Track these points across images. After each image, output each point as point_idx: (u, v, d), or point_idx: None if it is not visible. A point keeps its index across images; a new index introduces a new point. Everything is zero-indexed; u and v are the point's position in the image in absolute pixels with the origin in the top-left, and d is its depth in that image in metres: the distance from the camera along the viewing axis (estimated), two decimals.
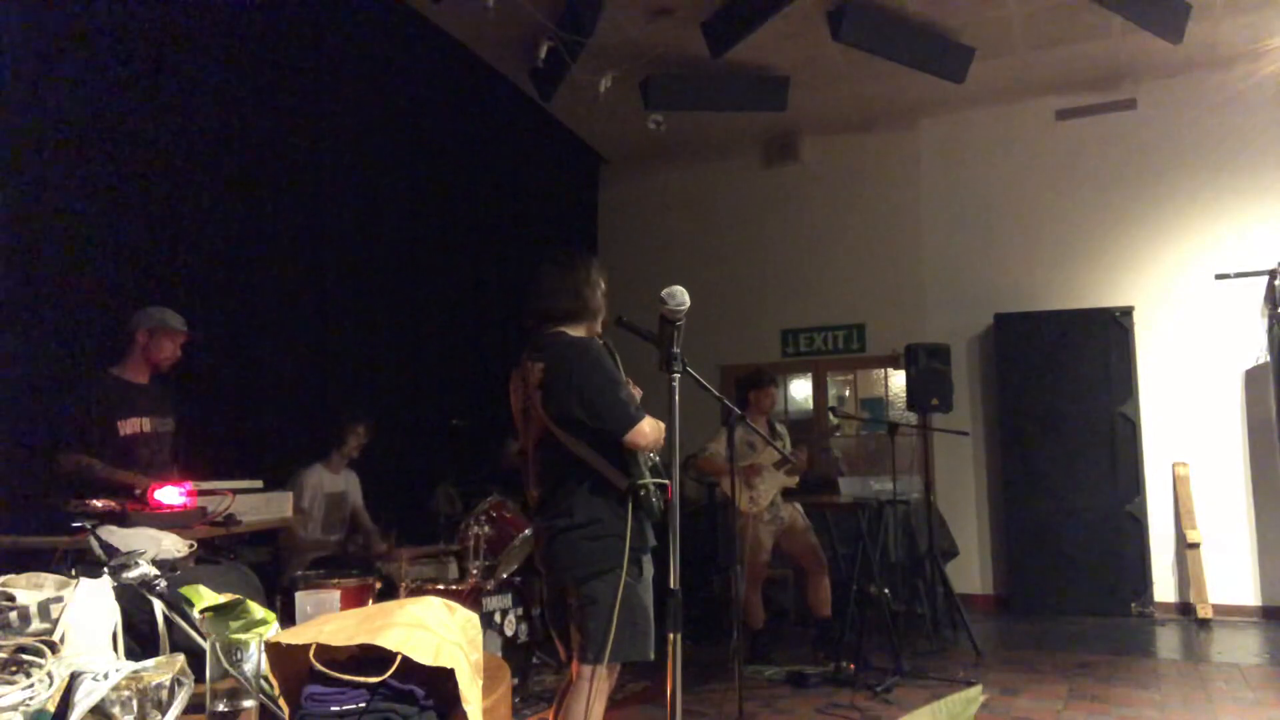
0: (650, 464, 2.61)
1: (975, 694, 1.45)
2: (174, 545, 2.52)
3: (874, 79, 6.67)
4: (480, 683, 1.33)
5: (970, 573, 6.97)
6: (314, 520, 4.73)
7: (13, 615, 1.37)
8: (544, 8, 5.53)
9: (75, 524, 2.56)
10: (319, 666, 1.23)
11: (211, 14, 4.42)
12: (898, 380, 7.31)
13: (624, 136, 7.72)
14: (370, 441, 4.97)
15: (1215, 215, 6.62)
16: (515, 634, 4.19)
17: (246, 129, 4.66)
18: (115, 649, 1.42)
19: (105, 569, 1.61)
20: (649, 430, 2.54)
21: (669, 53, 6.17)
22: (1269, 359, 6.23)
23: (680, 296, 2.27)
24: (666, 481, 2.51)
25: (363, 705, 1.22)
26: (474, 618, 1.40)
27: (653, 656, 2.59)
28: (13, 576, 1.47)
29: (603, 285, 2.88)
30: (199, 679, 1.26)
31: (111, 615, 1.44)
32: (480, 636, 1.40)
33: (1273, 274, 6.18)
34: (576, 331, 2.74)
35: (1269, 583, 6.27)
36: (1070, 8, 5.73)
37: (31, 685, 1.20)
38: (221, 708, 1.24)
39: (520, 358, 2.74)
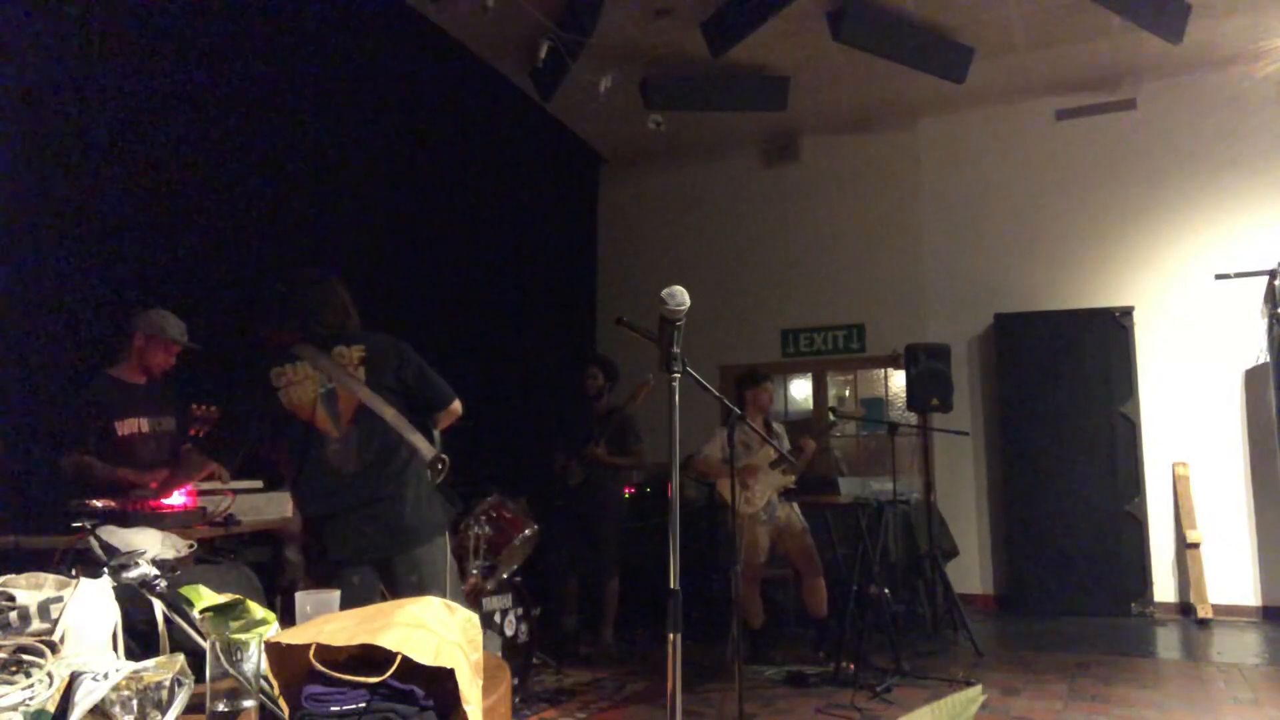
0: (440, 444, 3.00)
1: (975, 694, 1.45)
2: (174, 545, 2.51)
3: (874, 79, 6.68)
4: (480, 683, 1.32)
5: (970, 573, 6.97)
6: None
7: (13, 615, 1.37)
8: (544, 8, 5.53)
9: (75, 524, 2.56)
10: (319, 666, 1.23)
11: (210, 15, 4.42)
12: (898, 380, 7.32)
13: (624, 136, 7.72)
14: None
15: (1215, 215, 6.62)
16: (515, 634, 4.19)
17: (245, 128, 4.66)
18: (115, 649, 1.42)
19: (105, 569, 1.61)
20: (460, 405, 3.02)
21: (669, 53, 6.18)
22: (1269, 359, 6.24)
23: (680, 296, 2.26)
24: (445, 457, 2.91)
25: (363, 705, 1.22)
26: (474, 618, 1.39)
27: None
28: (13, 576, 1.47)
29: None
30: (199, 679, 1.26)
31: (111, 615, 1.44)
32: (480, 636, 1.40)
33: (1273, 274, 6.18)
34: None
35: (1269, 583, 6.27)
36: (1070, 8, 5.73)
37: (31, 685, 1.20)
38: (221, 708, 1.24)
39: (294, 352, 2.94)
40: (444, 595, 2.70)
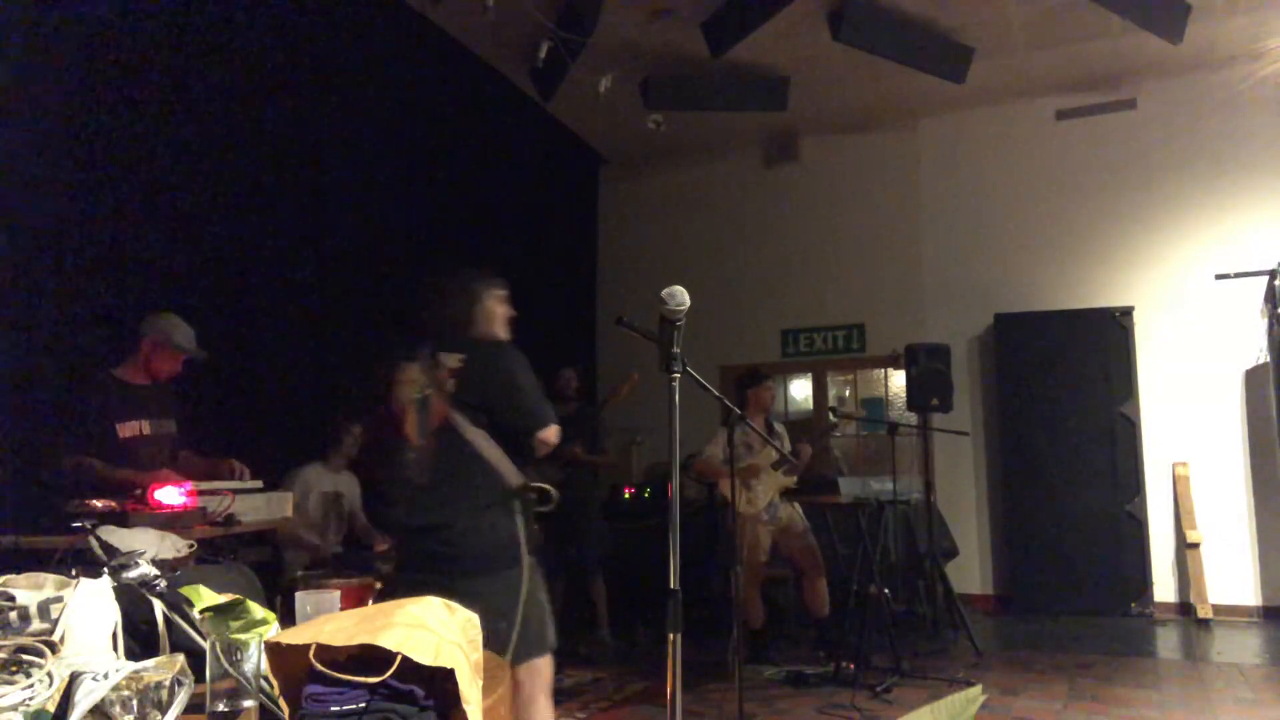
0: (536, 474, 2.79)
1: (975, 694, 1.45)
2: (174, 545, 2.51)
3: (874, 79, 6.67)
4: (480, 683, 1.33)
5: (970, 573, 6.97)
6: (309, 518, 4.72)
7: (13, 615, 1.37)
8: (544, 8, 5.53)
9: (75, 524, 2.56)
10: (319, 666, 1.23)
11: (212, 16, 4.42)
12: (898, 380, 7.32)
13: (624, 136, 7.72)
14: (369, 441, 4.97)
15: (1215, 215, 6.62)
16: None
17: (246, 129, 4.67)
18: (115, 649, 1.42)
19: (105, 569, 1.61)
20: (556, 432, 2.75)
21: (669, 53, 6.18)
22: (1269, 359, 6.23)
23: (680, 297, 2.26)
24: (548, 488, 2.72)
25: (363, 705, 1.22)
26: (474, 618, 1.40)
27: (556, 645, 2.75)
28: (13, 576, 1.47)
29: (496, 293, 3.01)
30: (199, 679, 1.26)
31: (111, 615, 1.44)
32: (480, 636, 1.40)
33: (1273, 274, 6.18)
34: (486, 334, 2.90)
35: (1269, 583, 6.27)
36: (1070, 8, 5.73)
37: (31, 685, 1.20)
38: (221, 708, 1.24)
39: (415, 352, 2.85)
40: (513, 632, 2.54)
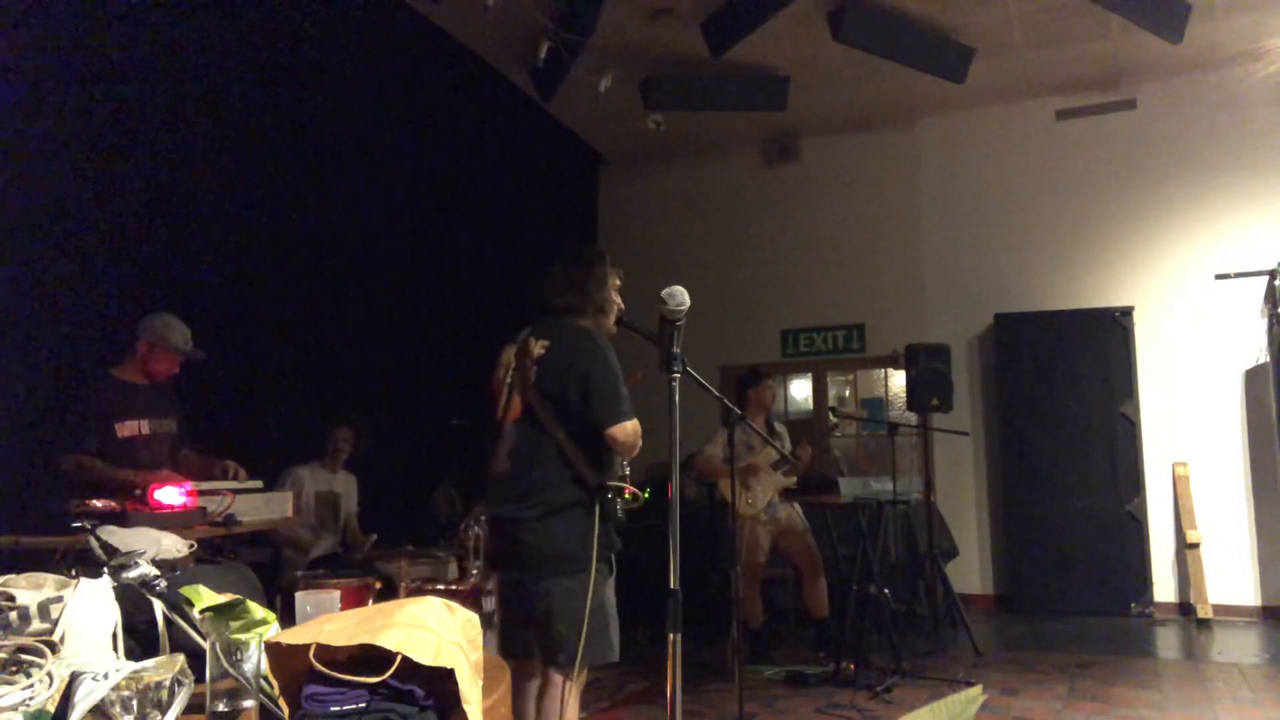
0: (621, 472, 2.67)
1: (975, 694, 1.45)
2: (174, 545, 2.51)
3: (874, 79, 6.67)
4: (480, 683, 1.33)
5: (970, 573, 6.97)
6: (302, 515, 4.71)
7: (13, 615, 1.37)
8: (544, 8, 5.53)
9: (75, 524, 2.56)
10: (319, 666, 1.23)
11: (212, 15, 4.42)
12: (898, 380, 7.31)
13: (624, 136, 7.72)
14: (364, 443, 4.95)
15: (1215, 215, 6.62)
16: None
17: (245, 129, 4.66)
18: (115, 649, 1.42)
19: (105, 569, 1.61)
20: (631, 430, 2.62)
21: (669, 53, 6.18)
22: (1269, 359, 6.23)
23: (680, 296, 2.26)
24: (633, 488, 2.61)
25: (363, 705, 1.22)
26: (474, 618, 1.40)
27: (618, 657, 2.66)
28: (13, 576, 1.47)
29: (615, 282, 2.93)
30: (199, 679, 1.26)
31: (111, 615, 1.44)
32: (480, 636, 1.40)
33: (1273, 274, 6.18)
34: (584, 323, 2.80)
35: (1269, 583, 6.27)
36: (1070, 8, 5.73)
37: (31, 685, 1.20)
38: (221, 708, 1.24)
39: (519, 334, 2.83)
40: (578, 638, 2.49)
